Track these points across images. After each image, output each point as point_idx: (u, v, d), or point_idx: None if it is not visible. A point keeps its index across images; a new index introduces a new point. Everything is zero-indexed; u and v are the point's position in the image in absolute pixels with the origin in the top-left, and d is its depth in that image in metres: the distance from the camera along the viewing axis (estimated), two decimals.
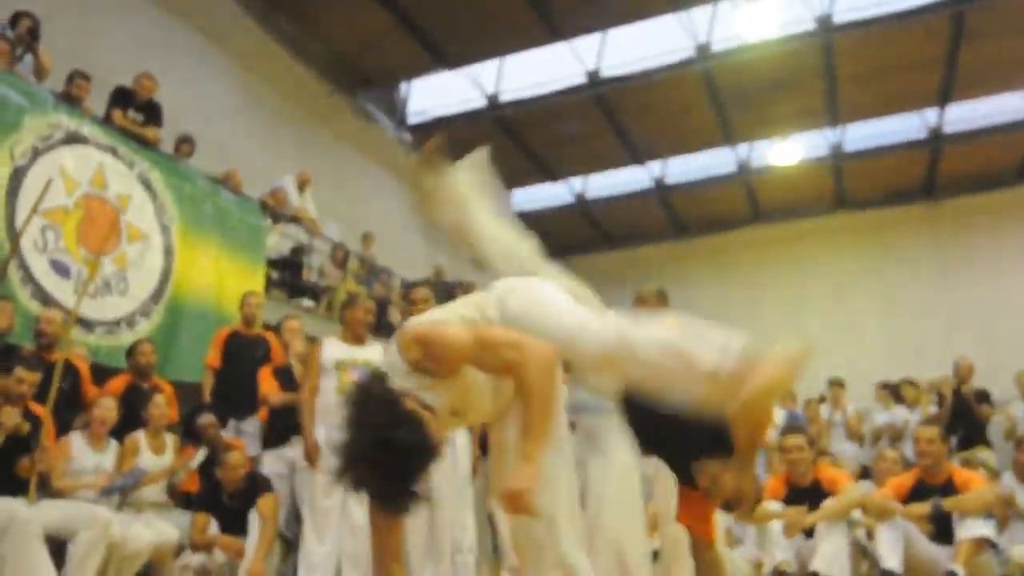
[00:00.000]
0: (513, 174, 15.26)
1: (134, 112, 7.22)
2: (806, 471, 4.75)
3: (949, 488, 4.55)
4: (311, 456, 4.61)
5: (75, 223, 6.06)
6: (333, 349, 4.75)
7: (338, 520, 4.63)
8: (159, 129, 7.37)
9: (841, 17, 10.95)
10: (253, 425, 5.93)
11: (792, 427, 5.15)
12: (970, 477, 4.67)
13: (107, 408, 4.76)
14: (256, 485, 4.71)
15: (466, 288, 12.98)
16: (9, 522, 3.83)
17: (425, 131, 13.59)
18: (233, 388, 5.92)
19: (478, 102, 12.87)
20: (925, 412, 8.45)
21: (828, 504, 4.55)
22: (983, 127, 13.15)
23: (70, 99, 6.58)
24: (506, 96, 12.76)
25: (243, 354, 6.05)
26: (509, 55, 12.23)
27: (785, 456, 4.79)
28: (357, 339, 4.81)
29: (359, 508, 4.62)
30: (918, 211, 14.97)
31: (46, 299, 5.65)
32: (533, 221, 16.89)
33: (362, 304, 4.89)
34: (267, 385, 5.52)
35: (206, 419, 5.23)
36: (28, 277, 5.61)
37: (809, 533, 4.61)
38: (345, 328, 4.87)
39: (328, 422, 4.62)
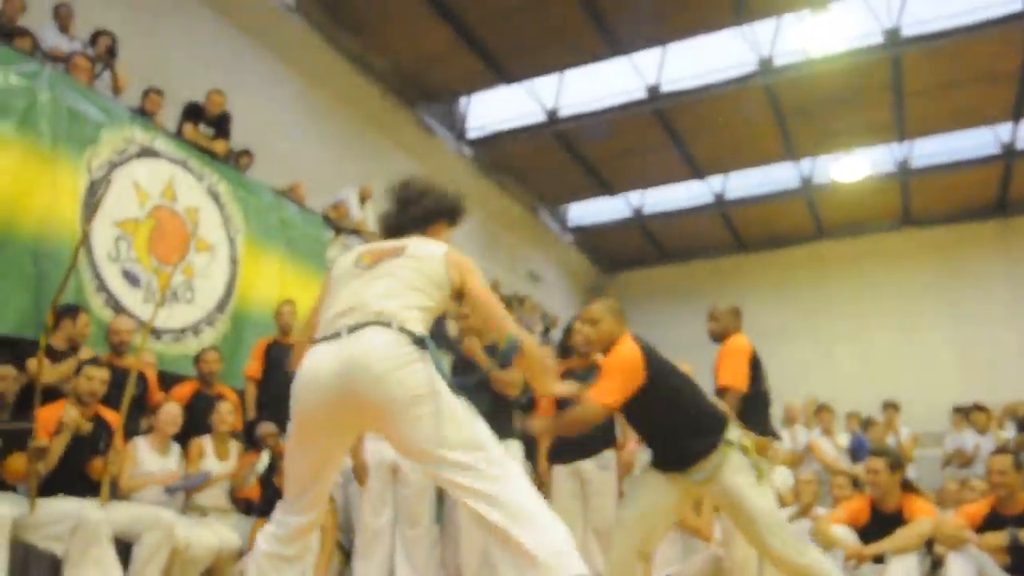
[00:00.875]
0: (571, 188, 15.28)
1: (204, 127, 7.43)
2: (885, 496, 4.52)
3: None
4: (360, 475, 4.62)
5: (146, 234, 6.24)
6: None
7: (390, 538, 4.61)
8: (228, 143, 7.59)
9: (910, 30, 10.71)
10: None
11: (876, 451, 4.96)
12: None
13: (172, 413, 4.86)
14: None
15: (521, 301, 13.00)
16: (80, 521, 3.93)
17: (485, 145, 13.72)
18: (277, 397, 5.97)
19: (538, 116, 12.92)
20: (998, 437, 8.14)
21: (897, 534, 4.37)
22: None
23: (144, 114, 6.81)
24: (565, 111, 12.78)
25: (284, 363, 6.08)
26: (569, 70, 12.25)
27: (866, 478, 4.62)
28: None
29: (410, 527, 4.57)
30: (990, 228, 14.52)
31: (118, 307, 5.83)
32: (591, 235, 16.89)
33: None
34: None
35: (266, 428, 5.31)
36: (102, 286, 5.80)
37: (879, 558, 4.45)
38: None
39: (375, 436, 4.61)
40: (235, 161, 7.88)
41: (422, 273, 2.55)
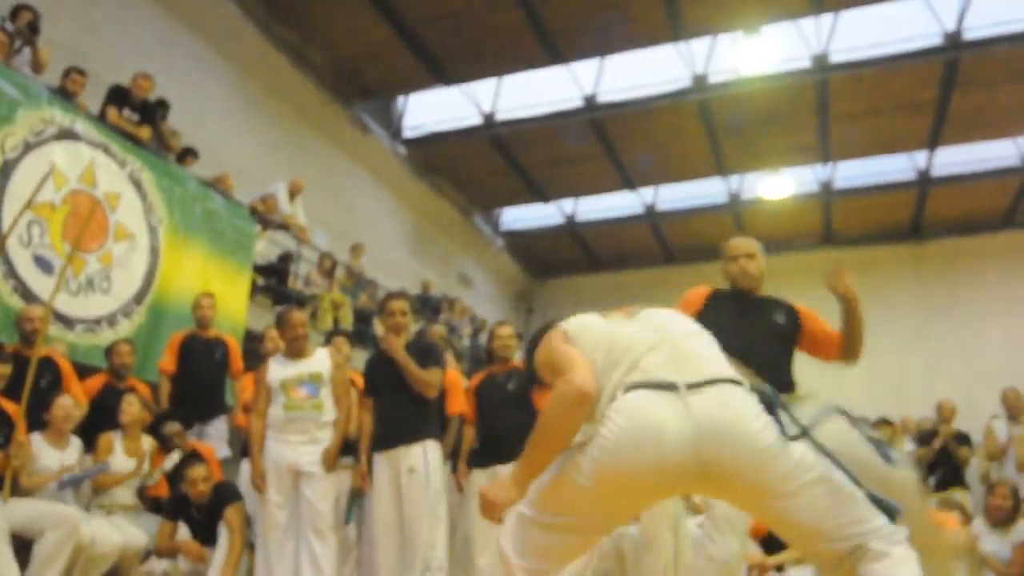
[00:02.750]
0: (505, 193, 15.32)
1: (129, 111, 7.20)
2: None
3: None
4: (257, 484, 4.54)
5: (62, 219, 6.00)
6: (277, 369, 4.69)
7: (293, 531, 4.54)
8: (151, 129, 7.37)
9: (837, 57, 11.10)
10: (217, 428, 5.90)
11: None
12: (945, 520, 4.68)
13: (65, 407, 4.66)
14: (223, 496, 4.62)
15: (451, 303, 12.97)
16: None
17: (420, 145, 13.65)
18: (193, 391, 5.84)
19: (474, 119, 12.92)
20: (901, 452, 8.48)
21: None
22: (971, 172, 13.35)
23: (65, 94, 6.56)
24: (502, 115, 12.82)
25: (201, 357, 5.96)
26: (508, 75, 12.29)
27: None
28: (298, 353, 4.72)
29: (315, 536, 4.51)
30: (903, 251, 15.12)
31: (28, 295, 5.60)
32: (522, 240, 16.96)
33: (291, 318, 4.79)
34: (251, 393, 5.45)
35: (171, 427, 5.15)
36: (11, 272, 5.56)
37: (780, 567, 4.59)
38: (286, 345, 4.82)
39: (277, 438, 4.58)
40: (179, 158, 7.65)
41: None
